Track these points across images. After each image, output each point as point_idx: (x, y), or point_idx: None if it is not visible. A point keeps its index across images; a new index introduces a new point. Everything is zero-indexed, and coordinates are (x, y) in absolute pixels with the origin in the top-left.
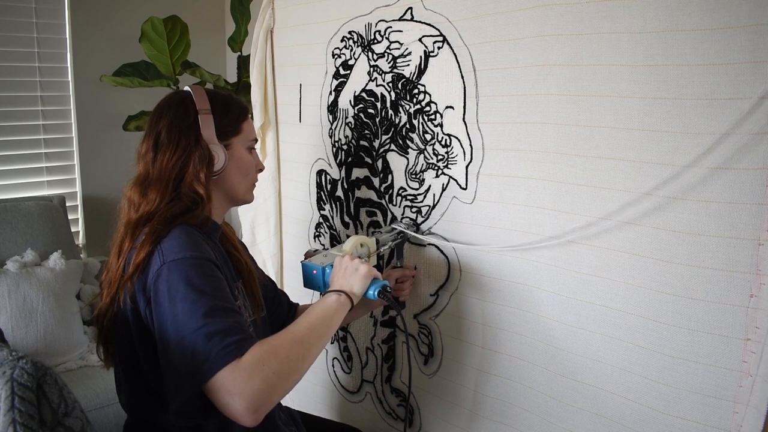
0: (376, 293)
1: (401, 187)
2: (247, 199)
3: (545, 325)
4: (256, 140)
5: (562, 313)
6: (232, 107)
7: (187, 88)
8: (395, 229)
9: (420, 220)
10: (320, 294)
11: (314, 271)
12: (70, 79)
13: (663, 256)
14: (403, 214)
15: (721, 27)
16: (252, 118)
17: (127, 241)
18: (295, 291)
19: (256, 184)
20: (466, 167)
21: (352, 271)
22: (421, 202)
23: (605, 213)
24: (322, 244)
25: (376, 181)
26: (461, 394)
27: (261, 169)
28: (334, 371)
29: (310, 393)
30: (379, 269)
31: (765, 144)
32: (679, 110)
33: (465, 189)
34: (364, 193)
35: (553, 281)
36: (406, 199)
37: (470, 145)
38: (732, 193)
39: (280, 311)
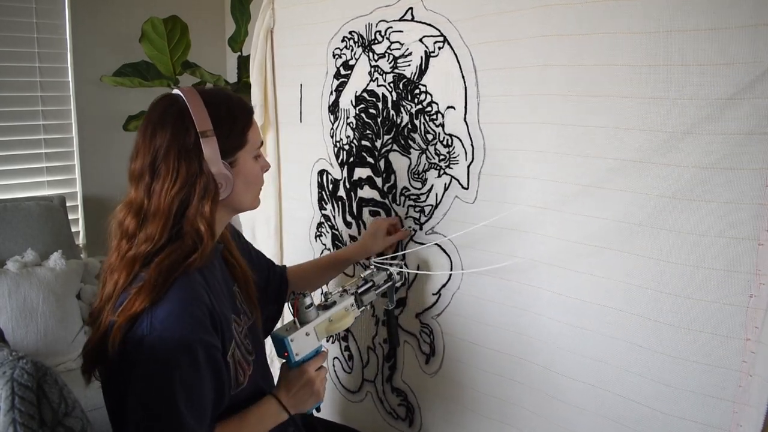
0: (313, 410)
1: (404, 187)
2: (254, 206)
3: (546, 324)
4: (262, 142)
5: (563, 313)
6: (236, 119)
7: (177, 92)
8: (372, 274)
9: (423, 219)
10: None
11: (285, 353)
12: (70, 79)
13: (663, 256)
14: (407, 213)
15: (721, 27)
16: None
17: (122, 278)
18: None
19: (262, 188)
20: (468, 167)
21: (309, 395)
22: (424, 201)
23: (605, 213)
24: (323, 244)
25: (378, 181)
26: (462, 394)
27: (267, 169)
28: (335, 371)
29: None
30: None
31: (765, 144)
32: (679, 110)
33: (467, 189)
34: (366, 192)
35: (553, 281)
36: (410, 199)
37: (471, 145)
38: (732, 193)
39: (275, 287)
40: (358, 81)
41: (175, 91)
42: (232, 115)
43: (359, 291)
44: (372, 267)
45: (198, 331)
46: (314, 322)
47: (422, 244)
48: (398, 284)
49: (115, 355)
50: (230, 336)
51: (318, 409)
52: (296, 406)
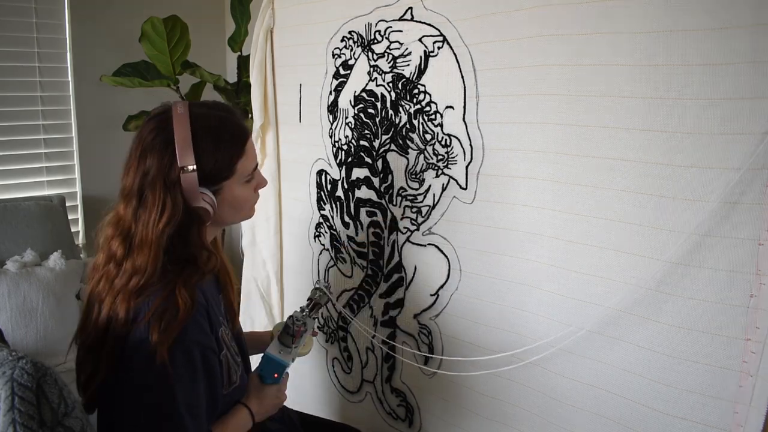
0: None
1: (401, 187)
2: (246, 218)
3: (545, 325)
4: (257, 164)
5: (562, 314)
6: (222, 149)
7: (173, 110)
8: (321, 296)
9: (420, 219)
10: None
11: (276, 375)
12: (70, 79)
13: (663, 256)
14: (403, 214)
15: (721, 27)
16: (254, 133)
17: (122, 311)
18: (295, 291)
19: (256, 203)
20: (466, 167)
21: (275, 406)
22: (421, 202)
23: (605, 213)
24: (322, 244)
25: (376, 181)
26: (461, 394)
27: (263, 185)
28: (334, 371)
29: (310, 393)
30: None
31: (765, 144)
32: (679, 110)
33: (465, 189)
34: (364, 193)
35: (552, 281)
36: (406, 199)
37: (470, 145)
38: (732, 193)
39: None
40: (357, 81)
41: (173, 106)
42: (220, 147)
43: (316, 314)
44: (318, 286)
45: (194, 333)
46: (299, 347)
47: (419, 245)
48: (331, 290)
49: (120, 368)
50: (221, 337)
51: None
52: (262, 416)
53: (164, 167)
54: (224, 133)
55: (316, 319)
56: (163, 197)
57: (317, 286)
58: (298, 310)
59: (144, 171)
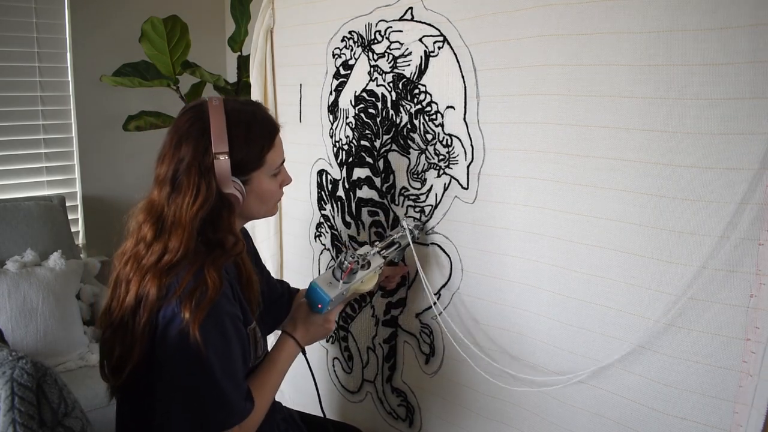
0: None
1: (403, 187)
2: (270, 215)
3: (545, 325)
4: (284, 160)
5: (563, 313)
6: (254, 140)
7: (209, 103)
8: (403, 236)
9: (423, 219)
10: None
11: (319, 305)
12: (70, 79)
13: (663, 256)
14: (406, 213)
15: (721, 27)
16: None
17: (153, 289)
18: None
19: (280, 200)
20: (468, 167)
21: (324, 334)
22: (424, 201)
23: (605, 213)
24: (323, 244)
25: (377, 181)
26: (462, 394)
27: (288, 183)
28: (335, 371)
29: (311, 393)
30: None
31: (765, 144)
32: (679, 110)
33: (466, 189)
34: (365, 192)
35: (553, 281)
36: (409, 199)
37: (471, 145)
38: (732, 193)
39: (274, 297)
40: (358, 81)
41: (209, 99)
42: (251, 138)
43: (387, 252)
44: (402, 225)
45: (223, 304)
46: (352, 283)
47: (422, 244)
48: (418, 234)
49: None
50: (247, 312)
51: None
52: (309, 342)
53: (199, 153)
54: (256, 125)
55: (395, 259)
56: (197, 182)
57: (404, 225)
58: (370, 245)
59: (179, 158)
